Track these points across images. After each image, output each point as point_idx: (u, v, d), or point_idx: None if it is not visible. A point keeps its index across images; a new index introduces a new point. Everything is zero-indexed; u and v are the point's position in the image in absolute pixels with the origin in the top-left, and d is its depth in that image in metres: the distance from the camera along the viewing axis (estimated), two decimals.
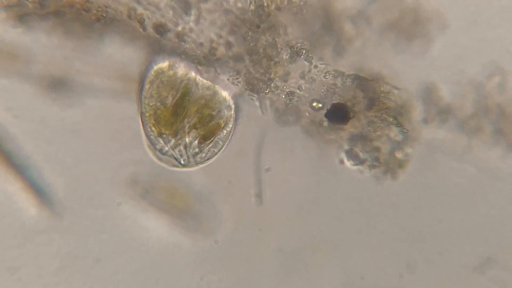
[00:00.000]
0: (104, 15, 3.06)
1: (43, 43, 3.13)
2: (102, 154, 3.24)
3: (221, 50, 3.12)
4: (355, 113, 3.14)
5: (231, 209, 3.29)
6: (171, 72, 3.09)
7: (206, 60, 3.13)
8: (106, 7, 3.06)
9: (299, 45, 3.13)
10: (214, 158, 3.24)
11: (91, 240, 3.26)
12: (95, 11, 3.06)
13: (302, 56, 3.15)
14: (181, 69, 3.08)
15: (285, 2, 3.08)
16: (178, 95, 3.13)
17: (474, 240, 3.28)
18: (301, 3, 3.09)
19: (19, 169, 3.20)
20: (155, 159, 3.23)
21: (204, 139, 3.20)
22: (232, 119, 3.21)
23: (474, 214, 3.28)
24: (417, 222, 3.29)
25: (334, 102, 3.17)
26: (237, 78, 3.15)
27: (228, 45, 3.11)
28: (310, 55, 3.15)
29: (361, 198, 3.29)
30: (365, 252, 3.30)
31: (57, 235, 3.25)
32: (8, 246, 3.22)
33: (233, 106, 3.20)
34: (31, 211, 3.22)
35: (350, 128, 3.19)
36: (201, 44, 3.10)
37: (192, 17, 3.08)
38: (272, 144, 3.25)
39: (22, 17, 3.08)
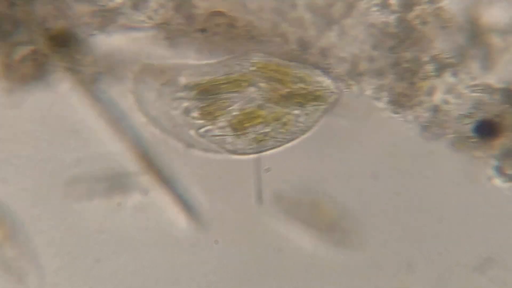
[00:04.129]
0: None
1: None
2: (102, 154, 3.24)
3: (364, 65, 3.10)
4: (505, 128, 3.05)
5: (231, 209, 3.29)
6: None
7: (349, 75, 3.12)
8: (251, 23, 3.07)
9: (445, 58, 3.07)
10: None
11: (91, 240, 3.26)
12: (240, 28, 3.06)
13: (448, 70, 3.09)
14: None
15: (431, 17, 3.03)
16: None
17: (474, 240, 3.27)
18: (448, 17, 3.02)
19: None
20: None
21: None
22: None
23: (474, 214, 3.27)
24: (417, 222, 3.28)
25: (482, 117, 3.10)
26: (381, 93, 3.14)
27: (371, 59, 3.08)
28: (456, 68, 3.08)
29: (361, 197, 3.29)
30: (365, 251, 3.29)
31: (57, 235, 3.25)
32: (8, 246, 3.22)
33: None
34: (30, 211, 3.22)
35: (499, 144, 3.13)
36: (344, 59, 3.09)
37: (335, 32, 3.07)
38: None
39: (170, 35, 3.14)
